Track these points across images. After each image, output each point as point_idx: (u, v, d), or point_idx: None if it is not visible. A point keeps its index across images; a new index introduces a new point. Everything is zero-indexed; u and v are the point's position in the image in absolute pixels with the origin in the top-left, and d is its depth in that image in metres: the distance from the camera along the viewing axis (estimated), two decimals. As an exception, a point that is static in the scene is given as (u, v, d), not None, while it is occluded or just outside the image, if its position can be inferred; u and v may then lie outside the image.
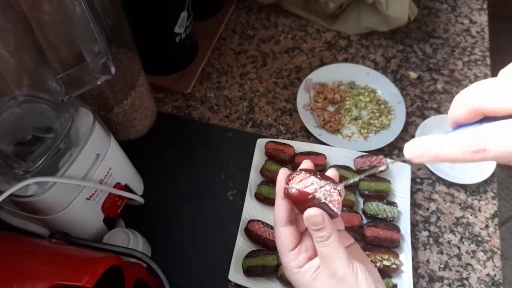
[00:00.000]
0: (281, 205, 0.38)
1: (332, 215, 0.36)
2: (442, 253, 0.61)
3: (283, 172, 0.39)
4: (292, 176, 0.37)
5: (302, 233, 0.40)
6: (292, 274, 0.38)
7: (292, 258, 0.38)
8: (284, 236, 0.38)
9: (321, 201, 0.35)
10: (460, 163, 0.27)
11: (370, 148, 0.68)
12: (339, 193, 0.36)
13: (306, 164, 0.40)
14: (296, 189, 0.36)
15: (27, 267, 0.39)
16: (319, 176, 0.36)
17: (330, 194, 0.35)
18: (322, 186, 0.35)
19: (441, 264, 0.60)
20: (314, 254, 0.38)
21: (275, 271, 0.56)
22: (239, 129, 0.72)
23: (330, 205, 0.35)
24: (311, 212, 0.35)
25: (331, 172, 0.39)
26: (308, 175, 0.36)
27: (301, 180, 0.36)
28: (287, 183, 0.37)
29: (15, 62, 0.42)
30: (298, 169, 0.38)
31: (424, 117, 0.73)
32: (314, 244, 0.37)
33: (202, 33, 0.80)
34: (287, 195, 0.37)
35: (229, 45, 0.83)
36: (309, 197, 0.35)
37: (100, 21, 0.45)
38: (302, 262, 0.38)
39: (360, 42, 0.84)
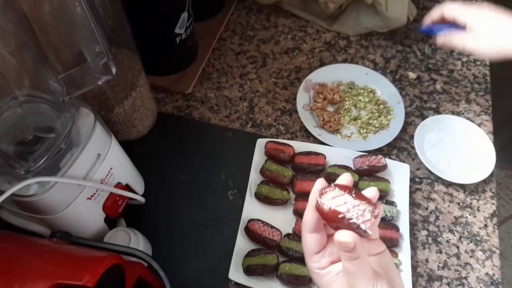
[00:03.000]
0: (311, 215, 0.38)
1: (362, 235, 0.34)
2: (441, 252, 0.61)
3: (319, 183, 0.38)
4: (326, 190, 0.36)
5: (329, 236, 0.40)
6: (313, 273, 0.39)
7: (315, 260, 0.39)
8: (309, 241, 0.39)
9: (351, 221, 0.34)
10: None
11: (369, 148, 0.68)
12: (373, 211, 0.34)
13: (344, 179, 0.38)
14: (328, 206, 0.35)
15: (28, 266, 0.39)
16: (353, 195, 0.34)
17: (363, 214, 0.34)
18: (356, 206, 0.34)
19: (440, 263, 0.60)
20: (338, 259, 0.38)
21: (275, 270, 0.57)
22: (239, 129, 0.72)
23: (362, 225, 0.33)
24: (344, 238, 0.34)
25: (370, 192, 0.37)
26: (343, 193, 0.35)
27: (333, 198, 0.35)
28: (320, 196, 0.36)
29: (16, 62, 0.42)
30: (333, 184, 0.36)
31: (423, 117, 0.73)
32: (341, 258, 0.36)
33: (202, 33, 0.80)
34: (318, 209, 0.36)
35: (229, 45, 0.83)
36: (340, 216, 0.34)
37: (101, 22, 0.46)
38: (324, 265, 0.39)
39: (360, 43, 0.84)
